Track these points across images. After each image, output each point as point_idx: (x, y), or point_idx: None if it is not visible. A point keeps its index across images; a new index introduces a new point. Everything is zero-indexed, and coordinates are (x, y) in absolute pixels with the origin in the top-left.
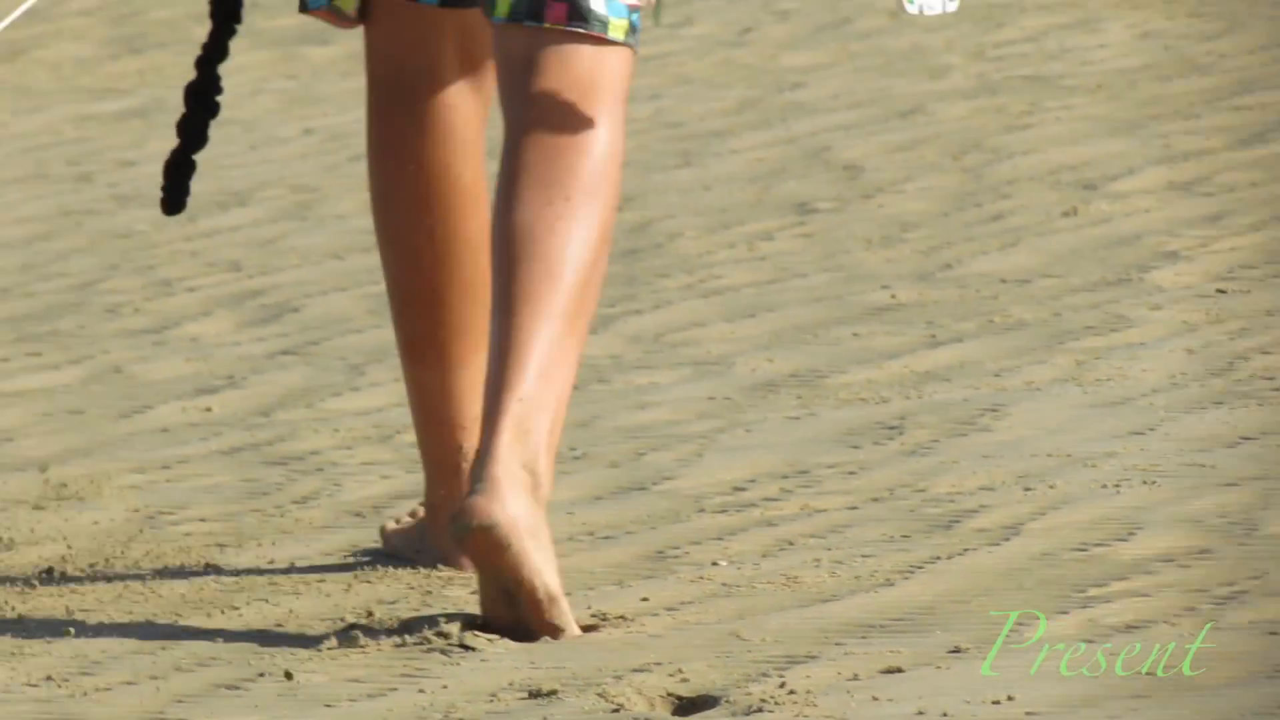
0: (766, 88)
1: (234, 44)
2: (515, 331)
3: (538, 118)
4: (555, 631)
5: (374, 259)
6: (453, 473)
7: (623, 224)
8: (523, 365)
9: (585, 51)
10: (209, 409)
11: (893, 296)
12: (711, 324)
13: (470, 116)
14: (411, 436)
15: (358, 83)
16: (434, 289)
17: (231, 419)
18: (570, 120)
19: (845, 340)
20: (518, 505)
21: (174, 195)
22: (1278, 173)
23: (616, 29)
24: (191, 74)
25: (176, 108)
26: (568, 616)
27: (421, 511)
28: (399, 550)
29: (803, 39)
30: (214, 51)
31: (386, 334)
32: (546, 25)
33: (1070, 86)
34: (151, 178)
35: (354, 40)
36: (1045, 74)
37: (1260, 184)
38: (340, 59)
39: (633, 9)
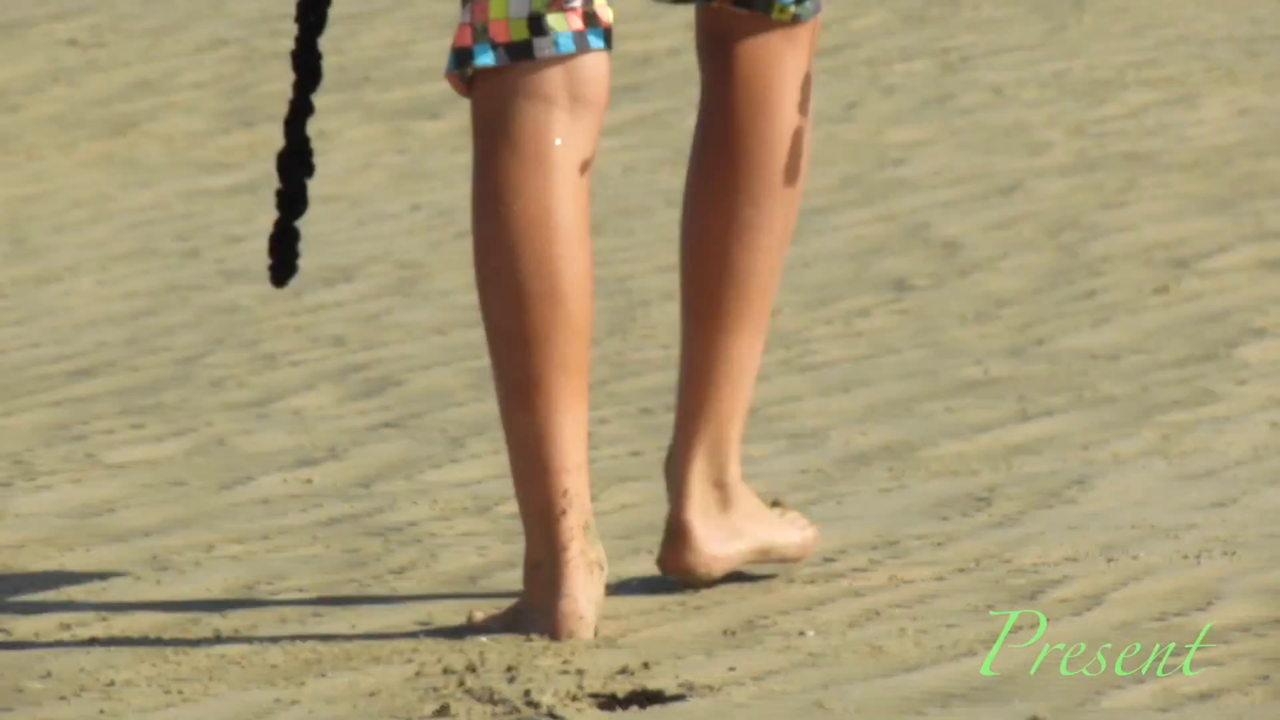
0: (869, 163)
1: (344, 118)
2: (708, 349)
3: (720, 106)
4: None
5: (476, 334)
6: (555, 522)
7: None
8: (715, 383)
9: (770, 36)
10: (309, 480)
11: (985, 371)
12: (807, 398)
13: (576, 158)
14: (509, 508)
15: (466, 158)
16: (538, 330)
17: (331, 490)
18: (754, 111)
19: (937, 414)
20: (710, 542)
21: (281, 266)
22: None
23: (781, 13)
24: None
25: None
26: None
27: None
28: (490, 629)
29: (907, 114)
30: (300, 110)
31: (486, 407)
32: (714, 4)
33: (1167, 163)
34: (258, 253)
35: (464, 115)
36: (1143, 150)
37: None
38: (450, 134)
39: None
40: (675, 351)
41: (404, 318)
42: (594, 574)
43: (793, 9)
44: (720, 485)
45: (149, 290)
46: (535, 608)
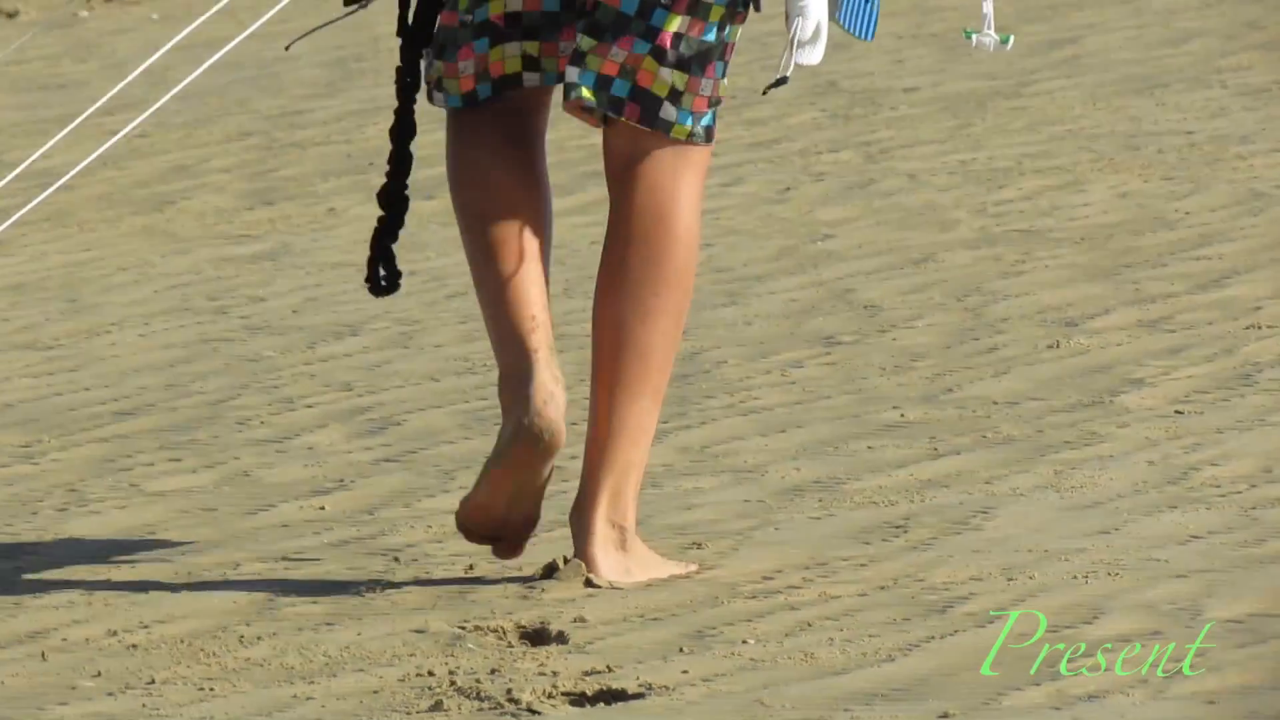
0: (802, 238)
1: (351, 198)
2: (613, 410)
3: (628, 214)
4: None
5: (466, 381)
6: (525, 337)
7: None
8: (618, 439)
9: (666, 153)
10: (322, 508)
11: (902, 416)
12: (749, 438)
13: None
14: None
15: (455, 231)
16: (507, 207)
17: (341, 516)
18: (656, 218)
19: (861, 452)
20: (608, 562)
21: (387, 272)
22: (1230, 313)
23: (679, 131)
24: (312, 224)
25: (303, 251)
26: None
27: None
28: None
29: (835, 196)
30: (404, 130)
31: (476, 445)
32: (623, 119)
33: (1058, 239)
34: (276, 310)
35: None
36: (1038, 228)
37: (1215, 322)
38: (441, 212)
39: (700, 114)
40: None
41: (403, 367)
42: (558, 379)
43: (689, 127)
44: (619, 527)
45: (184, 342)
46: (510, 413)
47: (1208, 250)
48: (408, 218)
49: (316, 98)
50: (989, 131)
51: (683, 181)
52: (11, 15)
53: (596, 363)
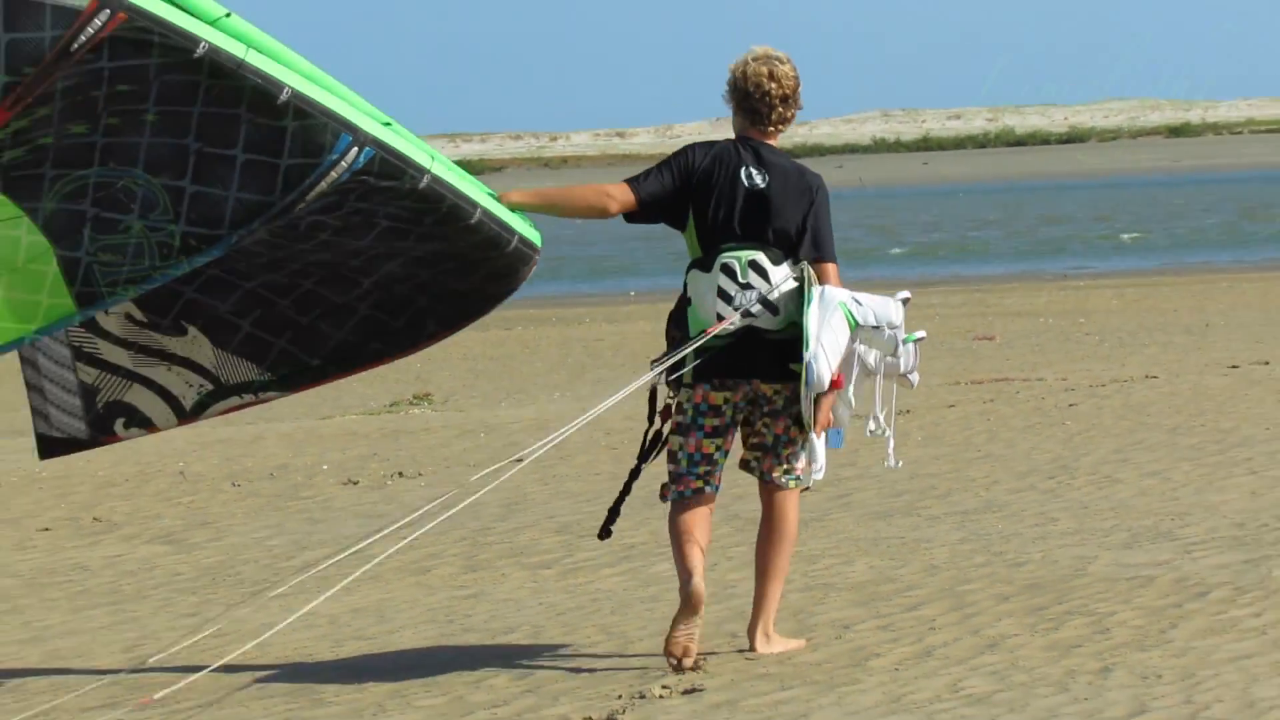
0: None
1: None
2: (766, 587)
3: (769, 521)
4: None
5: None
6: (688, 579)
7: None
8: (767, 600)
9: (788, 495)
10: None
11: None
12: None
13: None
14: None
15: None
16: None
17: None
18: (783, 523)
19: None
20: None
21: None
22: None
23: (792, 484)
24: None
25: None
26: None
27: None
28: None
29: None
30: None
31: None
32: (771, 481)
33: None
34: None
35: None
36: None
37: None
38: None
39: (797, 475)
40: None
41: None
42: (699, 610)
43: (789, 481)
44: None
45: None
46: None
47: None
48: None
49: None
50: None
51: (789, 501)
52: None
53: (757, 565)
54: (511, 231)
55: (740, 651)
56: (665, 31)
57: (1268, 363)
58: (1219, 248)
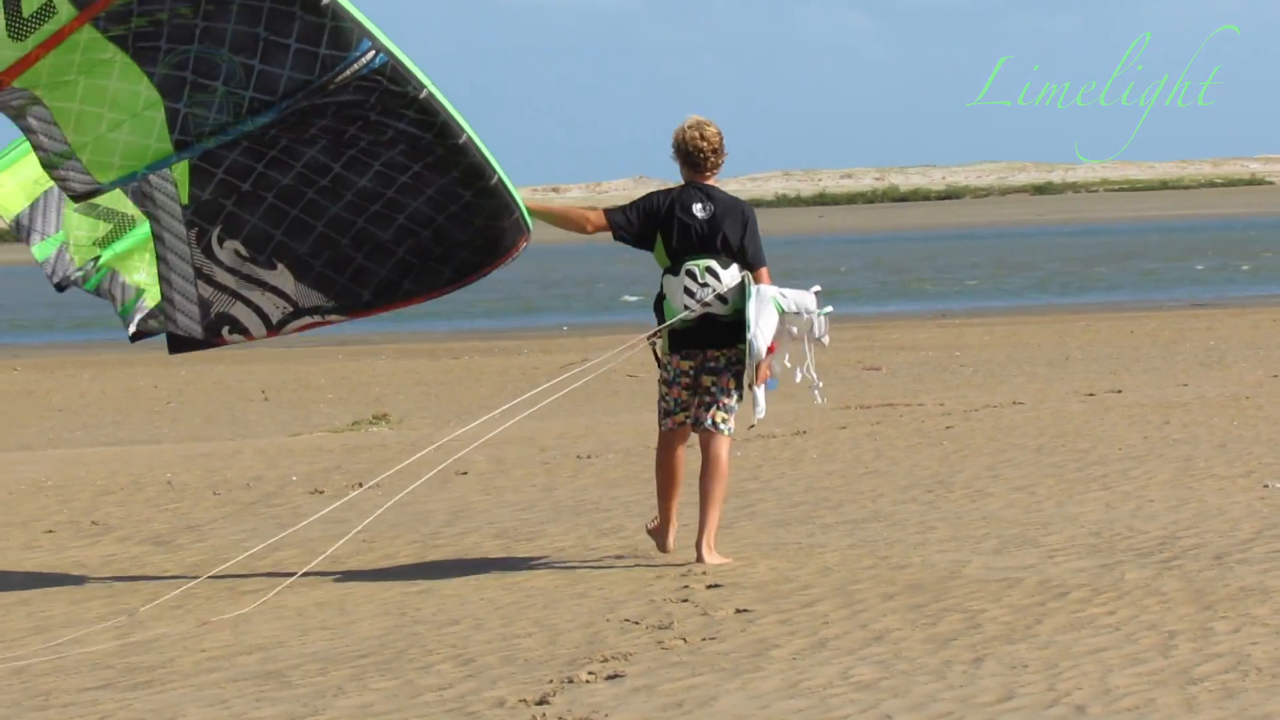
0: None
1: None
2: (709, 511)
3: (708, 463)
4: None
5: None
6: (667, 520)
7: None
8: (710, 522)
9: (722, 440)
10: None
11: None
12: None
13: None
14: None
15: None
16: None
17: None
18: (717, 464)
19: None
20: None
21: None
22: None
23: (726, 432)
24: None
25: None
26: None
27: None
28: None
29: None
30: None
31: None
32: (706, 427)
33: None
34: None
35: None
36: None
37: None
38: None
39: (731, 427)
40: None
41: None
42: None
43: (726, 429)
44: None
45: None
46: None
47: None
48: None
49: None
50: None
51: (722, 445)
52: None
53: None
54: (492, 169)
55: (662, 628)
56: (594, 101)
57: (1120, 391)
58: (1077, 290)
